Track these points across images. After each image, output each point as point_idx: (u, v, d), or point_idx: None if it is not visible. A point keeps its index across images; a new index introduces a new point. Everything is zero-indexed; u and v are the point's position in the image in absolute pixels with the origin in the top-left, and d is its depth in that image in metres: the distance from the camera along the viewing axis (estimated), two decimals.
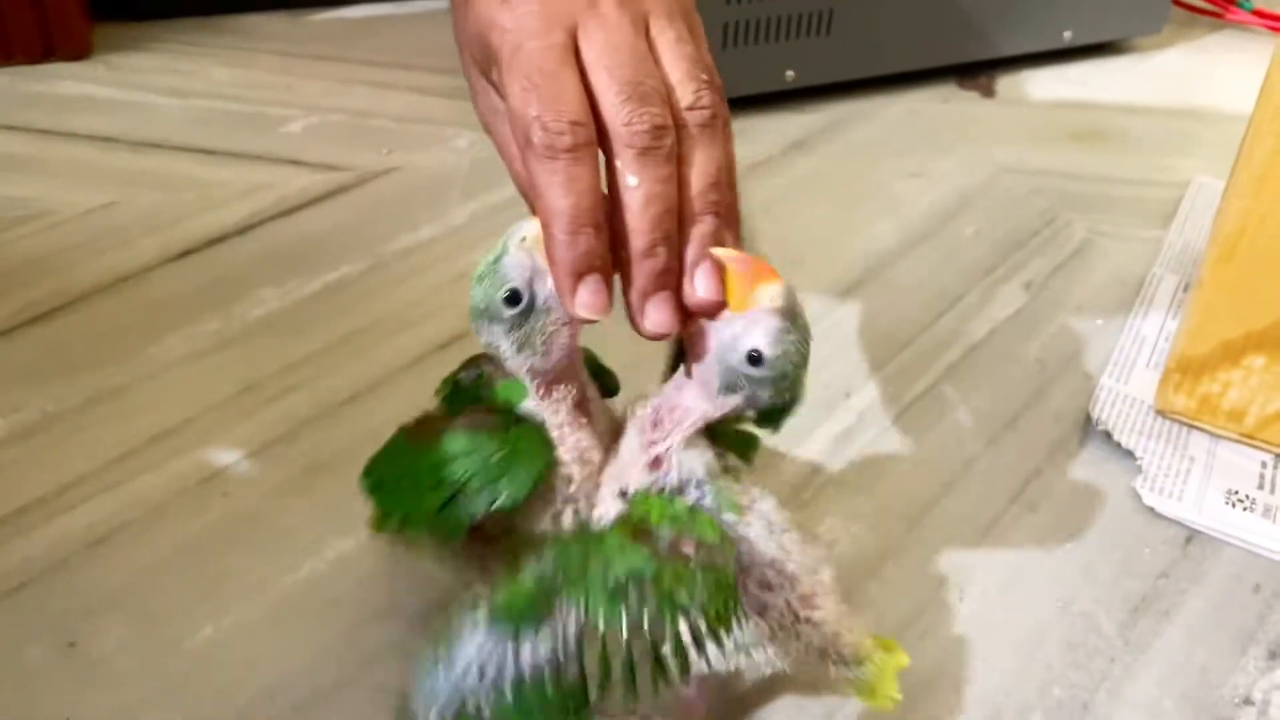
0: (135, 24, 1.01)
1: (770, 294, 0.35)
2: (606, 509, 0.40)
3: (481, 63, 0.39)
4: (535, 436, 0.39)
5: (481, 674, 0.34)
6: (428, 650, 0.36)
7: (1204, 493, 0.55)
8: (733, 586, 0.36)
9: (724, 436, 0.41)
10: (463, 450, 0.39)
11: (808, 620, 0.39)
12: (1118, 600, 0.50)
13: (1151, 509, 0.54)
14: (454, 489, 0.38)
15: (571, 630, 0.34)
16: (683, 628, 0.35)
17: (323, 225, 0.75)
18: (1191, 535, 0.53)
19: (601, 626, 0.34)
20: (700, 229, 0.36)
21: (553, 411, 0.40)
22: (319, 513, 0.53)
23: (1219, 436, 0.58)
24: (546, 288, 0.37)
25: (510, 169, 0.40)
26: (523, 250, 0.36)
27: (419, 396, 0.45)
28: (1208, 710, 0.45)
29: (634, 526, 0.37)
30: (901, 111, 0.94)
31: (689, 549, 0.36)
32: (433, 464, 0.39)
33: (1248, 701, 0.46)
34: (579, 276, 0.35)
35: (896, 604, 0.49)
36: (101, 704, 0.44)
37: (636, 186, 0.35)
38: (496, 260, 0.37)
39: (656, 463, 0.39)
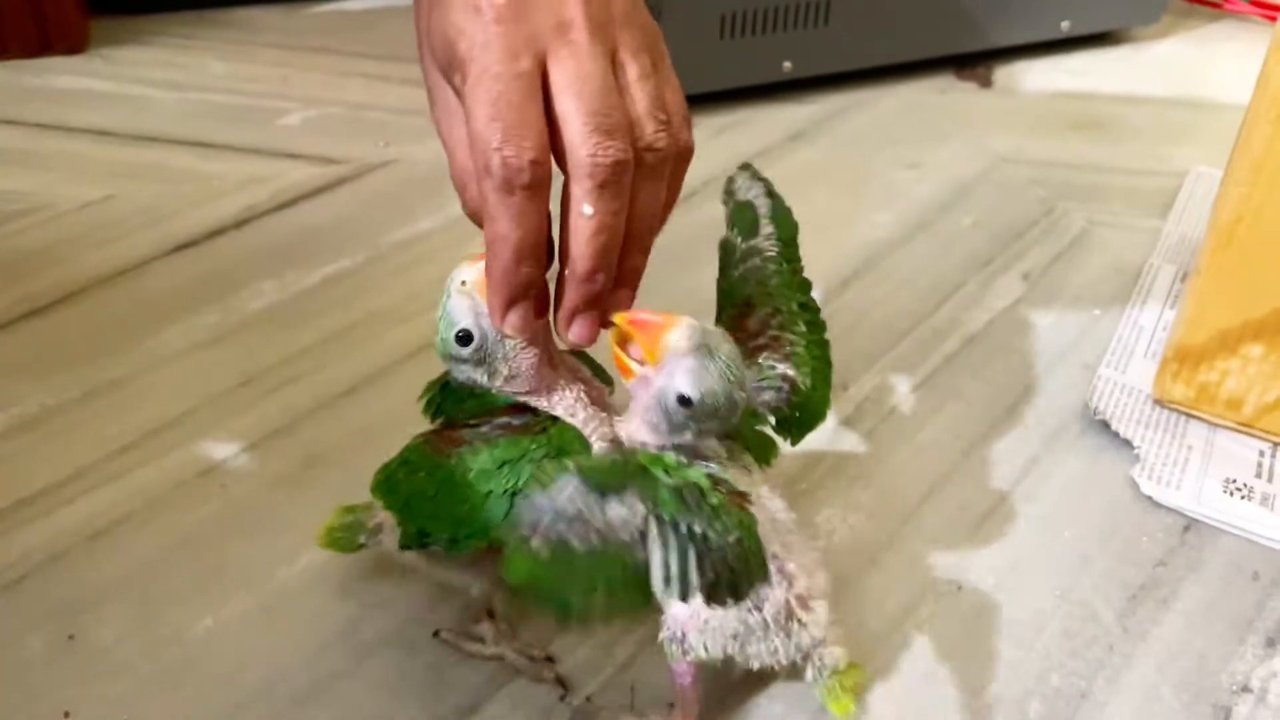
0: (131, 18, 1.01)
1: (674, 339, 0.37)
2: None
3: (444, 65, 0.39)
4: (574, 432, 0.40)
5: (576, 508, 0.36)
6: (534, 485, 0.37)
7: (1202, 481, 0.55)
8: (757, 543, 0.38)
9: (742, 437, 0.42)
10: (509, 456, 0.39)
11: (799, 620, 0.40)
12: (1116, 588, 0.50)
13: (1150, 498, 0.54)
14: (511, 495, 0.39)
15: (640, 511, 0.36)
16: (727, 543, 0.36)
17: (321, 218, 0.75)
18: (1190, 524, 0.53)
19: (665, 516, 0.36)
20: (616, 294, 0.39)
21: (568, 413, 0.41)
22: (317, 505, 0.52)
23: (1217, 425, 0.58)
24: (488, 321, 0.39)
25: (454, 173, 0.40)
26: (464, 294, 0.39)
27: (418, 390, 0.45)
28: (1206, 697, 0.45)
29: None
30: (899, 102, 0.94)
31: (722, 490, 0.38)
32: (480, 474, 0.39)
33: (1245, 689, 0.46)
34: (513, 303, 0.38)
35: (895, 593, 0.49)
36: (101, 695, 0.44)
37: (590, 216, 0.36)
38: (443, 307, 0.39)
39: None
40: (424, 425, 0.44)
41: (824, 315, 0.67)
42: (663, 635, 0.40)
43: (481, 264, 0.38)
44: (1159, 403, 0.60)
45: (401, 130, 0.86)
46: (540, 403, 0.41)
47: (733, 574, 0.37)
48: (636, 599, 0.37)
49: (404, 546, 0.43)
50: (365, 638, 0.47)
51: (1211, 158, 0.84)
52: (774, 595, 0.39)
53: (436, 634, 0.46)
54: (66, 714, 0.44)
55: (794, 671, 0.41)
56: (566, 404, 0.41)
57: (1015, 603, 0.49)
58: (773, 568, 0.39)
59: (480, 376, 0.40)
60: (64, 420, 0.58)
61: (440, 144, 0.41)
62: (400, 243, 0.72)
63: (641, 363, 0.38)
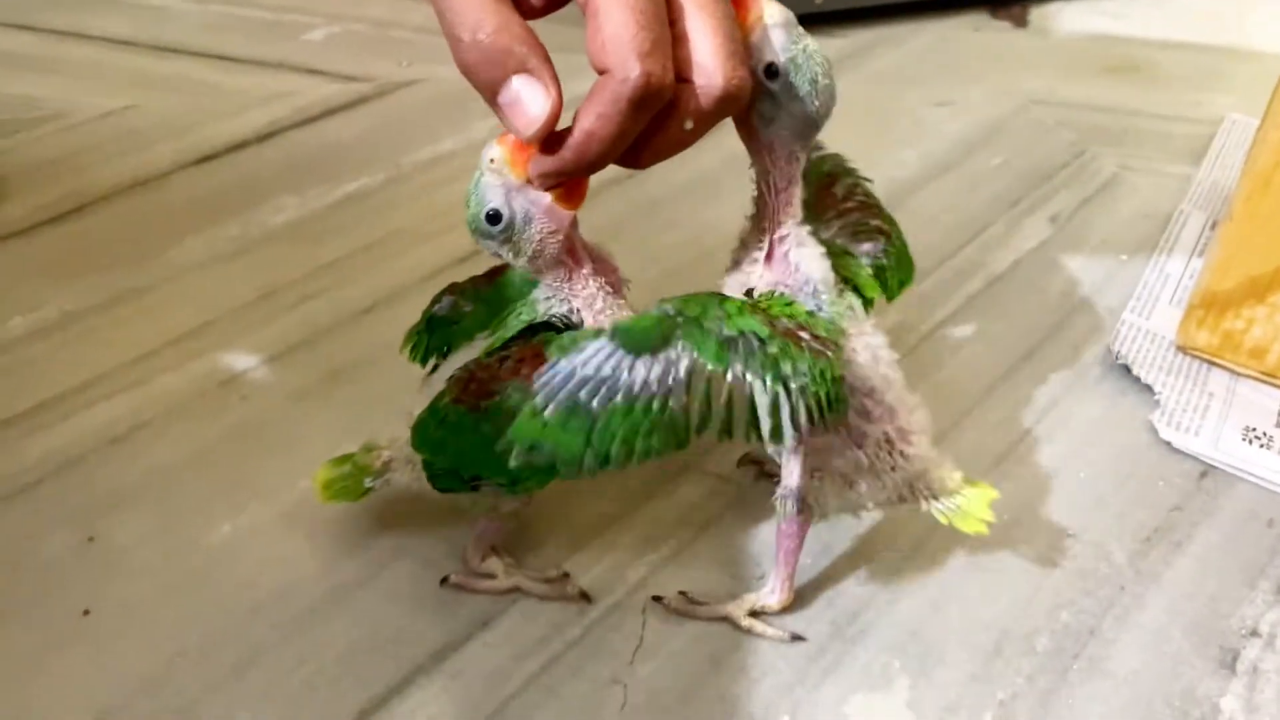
0: None
1: (766, 11, 0.38)
2: None
3: None
4: None
5: (598, 371, 0.36)
6: (554, 347, 0.37)
7: (1221, 428, 0.55)
8: (837, 380, 0.38)
9: (849, 276, 0.43)
10: None
11: (902, 454, 0.41)
12: (1130, 531, 0.50)
13: (1168, 443, 0.54)
14: None
15: (684, 366, 0.36)
16: (781, 396, 0.36)
17: (343, 135, 0.75)
18: (1206, 470, 0.53)
19: (709, 369, 0.36)
20: None
21: (588, 301, 0.41)
22: (335, 418, 0.53)
23: (1239, 374, 0.58)
24: (525, 201, 0.39)
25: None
26: (494, 172, 0.39)
27: None
28: (1214, 639, 0.45)
29: (754, 306, 0.39)
30: (932, 39, 0.92)
31: (803, 335, 0.38)
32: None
33: (1254, 633, 0.46)
34: (560, 183, 0.38)
35: (907, 527, 0.50)
36: (119, 595, 0.45)
37: (689, 131, 0.37)
38: (475, 184, 0.39)
39: (770, 257, 0.41)
40: None
41: None
42: (777, 494, 0.42)
43: (510, 139, 0.38)
44: (1182, 349, 0.59)
45: (425, 49, 0.85)
46: (561, 288, 0.41)
47: (810, 414, 0.37)
48: (665, 442, 0.36)
49: (445, 489, 0.43)
50: (381, 550, 0.47)
51: (1248, 105, 0.83)
52: (873, 430, 0.41)
53: (445, 580, 0.46)
54: (86, 611, 0.44)
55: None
56: (589, 292, 0.41)
57: (1029, 540, 0.49)
58: (870, 403, 0.41)
59: (506, 254, 0.40)
60: (84, 326, 0.58)
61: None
62: (422, 162, 0.72)
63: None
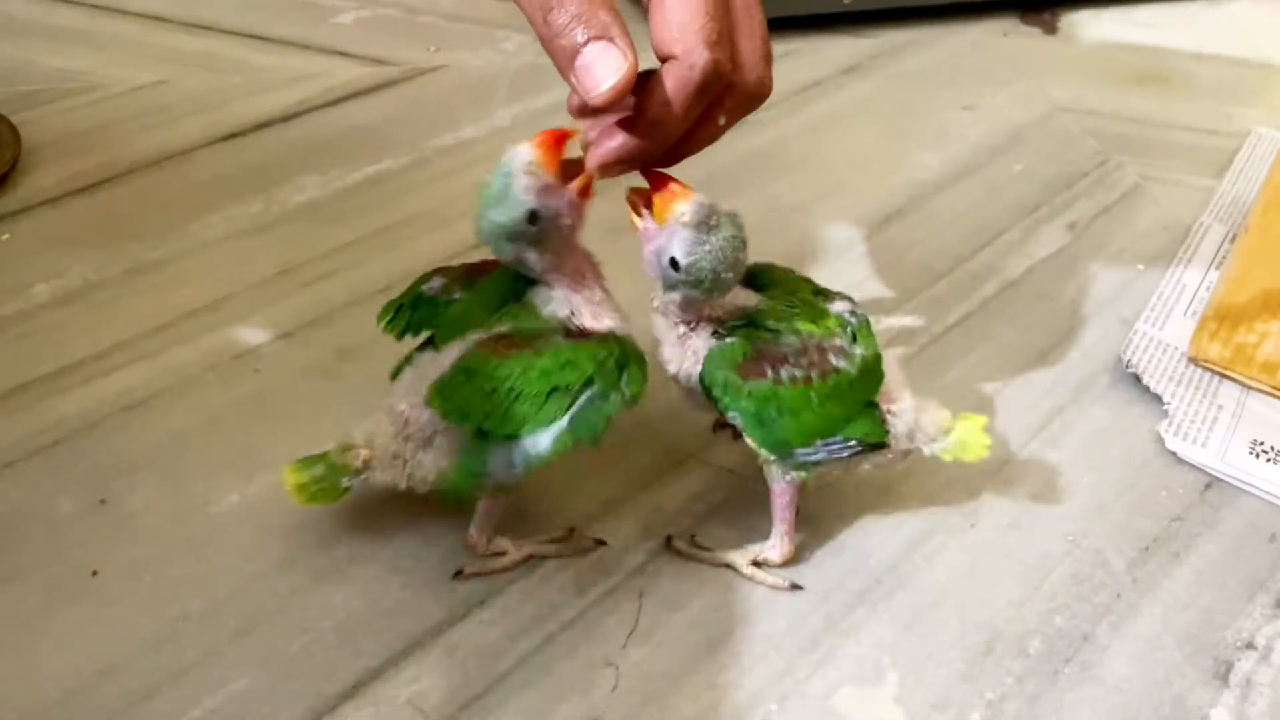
0: None
1: (679, 211, 0.41)
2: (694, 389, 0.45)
3: None
4: (629, 342, 0.43)
5: None
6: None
7: (1228, 441, 0.54)
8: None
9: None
10: (572, 359, 0.41)
11: (889, 411, 0.44)
12: (1129, 539, 0.50)
13: (1174, 453, 0.54)
14: (574, 391, 0.41)
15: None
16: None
17: (367, 118, 0.76)
18: (1211, 482, 0.53)
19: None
20: None
21: (589, 298, 0.43)
22: (346, 395, 0.54)
23: (1250, 387, 0.58)
24: (554, 198, 0.40)
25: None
26: (532, 174, 0.40)
27: None
28: (1208, 650, 0.45)
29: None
30: (960, 43, 0.92)
31: None
32: (543, 372, 0.41)
33: (1250, 646, 0.46)
34: (616, 168, 0.40)
35: (908, 524, 0.50)
36: (128, 557, 0.46)
37: (721, 126, 0.41)
38: (507, 187, 0.40)
39: (695, 328, 0.44)
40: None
41: (863, 251, 0.67)
42: (763, 458, 0.44)
43: (540, 140, 0.40)
44: (1193, 361, 0.59)
45: (452, 36, 0.85)
46: (563, 287, 0.43)
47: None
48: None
49: (458, 487, 0.44)
50: (385, 525, 0.48)
51: (1275, 119, 0.82)
52: None
53: (459, 573, 0.46)
54: (95, 572, 0.45)
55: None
56: (589, 292, 0.43)
57: (1027, 544, 0.49)
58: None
59: (531, 256, 0.41)
60: (105, 295, 0.59)
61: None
62: (444, 148, 0.72)
63: (644, 214, 0.42)
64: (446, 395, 0.42)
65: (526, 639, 0.44)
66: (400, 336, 0.45)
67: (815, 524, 0.49)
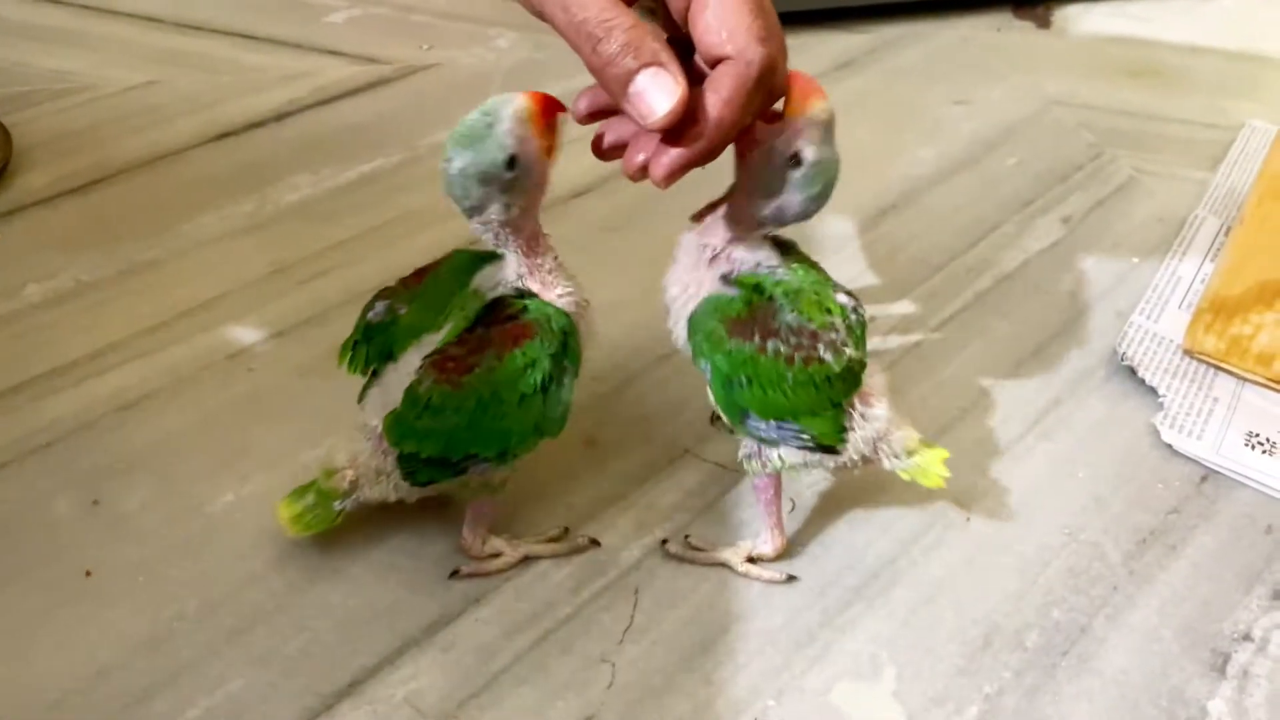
0: None
1: (820, 106, 0.40)
2: (678, 321, 0.44)
3: None
4: (559, 311, 0.42)
5: None
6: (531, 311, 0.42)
7: (1224, 433, 0.54)
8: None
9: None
10: (529, 357, 0.41)
11: (863, 415, 0.44)
12: (1126, 531, 0.50)
13: (1169, 446, 0.54)
14: (543, 387, 0.41)
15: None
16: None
17: (360, 116, 0.75)
18: (1207, 474, 0.53)
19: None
20: None
21: (546, 270, 0.43)
22: (340, 394, 0.53)
23: (1245, 379, 0.58)
24: (530, 151, 0.40)
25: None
26: (519, 121, 0.39)
27: None
28: (1205, 642, 0.45)
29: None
30: (954, 37, 0.92)
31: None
32: (506, 383, 0.41)
33: (1247, 637, 0.46)
34: (680, 173, 0.39)
35: (905, 519, 0.50)
36: (122, 558, 0.46)
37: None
38: (490, 128, 0.39)
39: (715, 259, 0.43)
40: None
41: (859, 246, 0.67)
42: (741, 453, 0.45)
43: (540, 97, 0.40)
44: (1189, 353, 0.59)
45: (445, 34, 0.85)
46: (517, 253, 0.42)
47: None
48: None
49: (427, 481, 0.43)
50: (381, 524, 0.48)
51: (1269, 113, 0.82)
52: None
53: (455, 574, 0.46)
54: (88, 572, 0.45)
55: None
56: (540, 259, 0.42)
57: (1023, 538, 0.49)
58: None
59: (499, 202, 0.40)
60: (98, 295, 0.59)
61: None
62: (436, 146, 0.71)
63: (771, 120, 0.41)
64: (406, 431, 0.42)
65: (522, 637, 0.44)
66: (365, 371, 0.44)
67: (811, 519, 0.49)
